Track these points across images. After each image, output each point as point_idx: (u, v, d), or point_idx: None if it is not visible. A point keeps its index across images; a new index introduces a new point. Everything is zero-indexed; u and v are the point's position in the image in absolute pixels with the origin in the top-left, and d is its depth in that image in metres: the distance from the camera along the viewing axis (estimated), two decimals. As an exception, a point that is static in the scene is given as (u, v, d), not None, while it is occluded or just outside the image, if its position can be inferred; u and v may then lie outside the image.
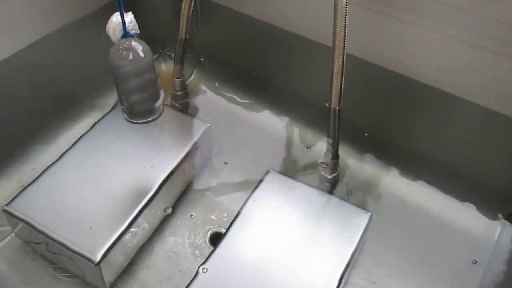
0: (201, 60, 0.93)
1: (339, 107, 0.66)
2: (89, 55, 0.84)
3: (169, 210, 0.72)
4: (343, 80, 0.64)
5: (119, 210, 0.64)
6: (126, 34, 0.65)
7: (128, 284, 0.65)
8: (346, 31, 0.60)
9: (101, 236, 0.62)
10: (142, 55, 0.66)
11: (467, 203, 0.74)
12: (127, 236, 0.64)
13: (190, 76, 0.93)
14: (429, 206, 0.73)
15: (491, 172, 0.75)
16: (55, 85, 0.83)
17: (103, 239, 0.61)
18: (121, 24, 0.64)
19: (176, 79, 0.84)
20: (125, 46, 0.66)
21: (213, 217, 0.72)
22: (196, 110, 0.87)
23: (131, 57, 0.65)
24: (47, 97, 0.83)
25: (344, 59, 0.62)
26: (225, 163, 0.79)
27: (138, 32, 0.67)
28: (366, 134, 0.81)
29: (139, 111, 0.73)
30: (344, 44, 0.61)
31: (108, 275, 0.63)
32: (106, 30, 0.65)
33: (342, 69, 0.63)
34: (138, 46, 0.66)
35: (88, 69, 0.85)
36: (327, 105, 0.66)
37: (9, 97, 0.79)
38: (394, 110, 0.81)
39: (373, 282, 0.66)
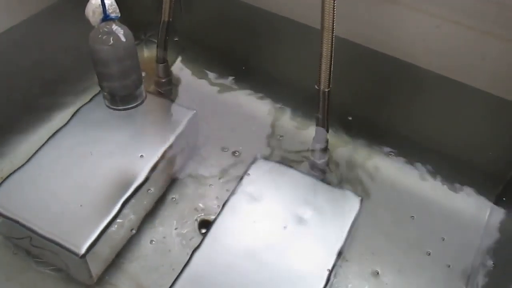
0: (175, 40, 0.90)
1: (328, 89, 0.65)
2: (68, 41, 0.82)
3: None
4: (332, 62, 0.63)
5: (104, 201, 0.63)
6: (106, 17, 0.63)
7: (116, 277, 0.64)
8: (335, 12, 0.59)
9: (86, 228, 0.60)
10: (123, 39, 0.65)
11: (457, 185, 0.74)
12: (113, 228, 0.62)
13: (174, 61, 0.90)
14: (420, 189, 0.73)
15: (481, 153, 0.76)
16: (33, 72, 0.80)
17: (88, 231, 0.60)
18: (101, 6, 0.62)
19: (159, 65, 0.82)
20: (106, 30, 0.64)
21: (201, 205, 0.71)
22: (181, 96, 0.85)
23: (112, 41, 0.64)
24: (25, 85, 0.80)
25: (333, 40, 0.61)
26: (212, 150, 0.77)
27: (119, 16, 0.65)
28: (349, 118, 0.80)
29: (120, 97, 0.71)
30: (333, 26, 0.60)
31: (95, 268, 0.62)
32: (85, 13, 0.63)
33: (331, 51, 0.63)
34: (119, 30, 0.65)
35: (67, 55, 0.83)
36: (316, 87, 0.65)
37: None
38: (383, 92, 0.80)
39: (366, 268, 0.65)
